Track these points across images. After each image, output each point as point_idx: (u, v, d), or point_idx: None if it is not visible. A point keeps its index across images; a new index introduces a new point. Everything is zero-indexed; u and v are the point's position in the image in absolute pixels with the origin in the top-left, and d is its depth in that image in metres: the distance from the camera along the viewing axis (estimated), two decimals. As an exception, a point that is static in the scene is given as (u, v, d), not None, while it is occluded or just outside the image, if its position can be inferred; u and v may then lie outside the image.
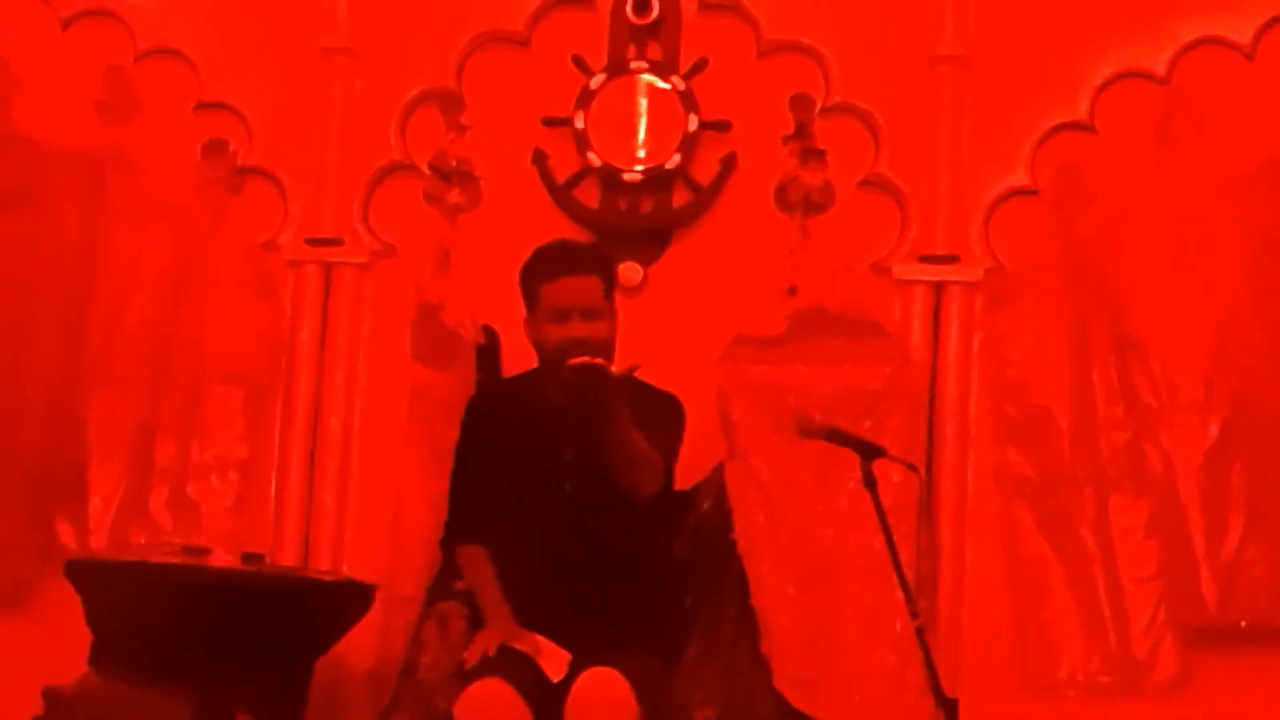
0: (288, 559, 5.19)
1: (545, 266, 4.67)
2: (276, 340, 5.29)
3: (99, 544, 5.15)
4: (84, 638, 4.58)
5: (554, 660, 4.42)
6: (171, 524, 5.19)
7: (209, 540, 4.87)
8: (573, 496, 4.59)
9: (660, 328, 5.07)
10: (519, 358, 4.88)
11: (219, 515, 5.19)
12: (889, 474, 4.37)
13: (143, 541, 5.15)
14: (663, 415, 4.64)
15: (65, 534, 5.22)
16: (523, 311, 4.71)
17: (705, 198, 5.24)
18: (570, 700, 4.32)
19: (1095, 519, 4.91)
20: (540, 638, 4.46)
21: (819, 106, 5.07)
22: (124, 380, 5.22)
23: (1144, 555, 4.89)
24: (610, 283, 4.72)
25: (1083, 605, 4.89)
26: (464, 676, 4.41)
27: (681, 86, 5.24)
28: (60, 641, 4.79)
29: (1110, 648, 4.86)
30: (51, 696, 4.84)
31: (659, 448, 4.52)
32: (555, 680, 4.37)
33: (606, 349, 4.60)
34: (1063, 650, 4.89)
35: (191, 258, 5.28)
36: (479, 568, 4.65)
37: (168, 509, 5.21)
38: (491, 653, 4.42)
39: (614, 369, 4.41)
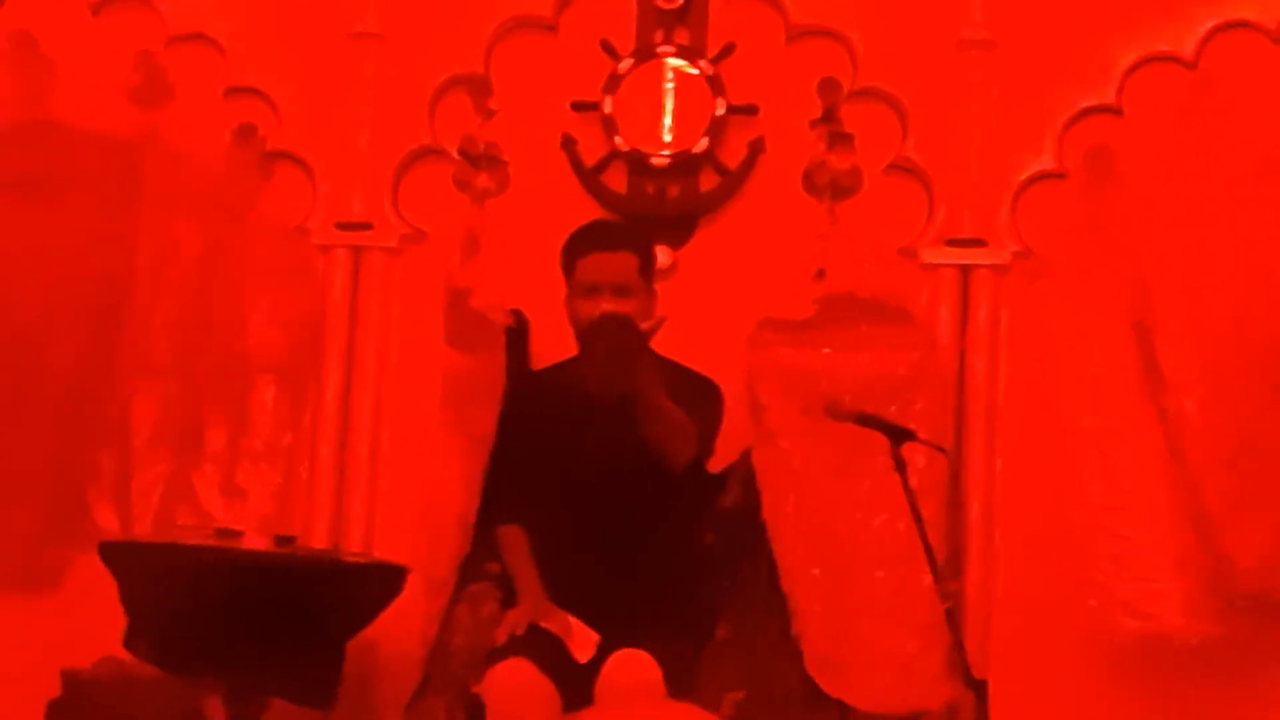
0: (319, 542, 5.21)
1: (581, 242, 4.73)
2: (312, 325, 5.30)
3: (140, 531, 5.15)
4: (107, 620, 4.60)
5: (582, 641, 4.45)
6: (221, 511, 5.21)
7: (260, 528, 4.89)
8: (607, 479, 4.61)
9: (688, 312, 5.07)
10: (548, 342, 4.90)
11: (270, 503, 5.22)
12: (916, 457, 4.40)
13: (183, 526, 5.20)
14: (699, 397, 4.66)
15: (103, 520, 5.22)
16: (553, 295, 4.75)
17: (733, 182, 5.25)
18: (600, 681, 4.35)
19: (1119, 500, 4.92)
20: (571, 617, 4.50)
21: (846, 91, 5.08)
22: (159, 366, 5.23)
23: (1171, 536, 4.90)
24: (648, 264, 4.75)
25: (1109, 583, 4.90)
26: (491, 655, 4.45)
27: (709, 71, 5.25)
28: (83, 624, 4.82)
29: (1141, 622, 4.87)
30: (70, 679, 4.88)
31: (694, 420, 4.55)
32: (582, 661, 4.41)
33: (637, 327, 4.64)
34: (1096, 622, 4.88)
35: (223, 243, 5.30)
36: (516, 547, 4.68)
37: (219, 496, 5.24)
38: (520, 631, 4.45)
39: (642, 325, 4.46)
